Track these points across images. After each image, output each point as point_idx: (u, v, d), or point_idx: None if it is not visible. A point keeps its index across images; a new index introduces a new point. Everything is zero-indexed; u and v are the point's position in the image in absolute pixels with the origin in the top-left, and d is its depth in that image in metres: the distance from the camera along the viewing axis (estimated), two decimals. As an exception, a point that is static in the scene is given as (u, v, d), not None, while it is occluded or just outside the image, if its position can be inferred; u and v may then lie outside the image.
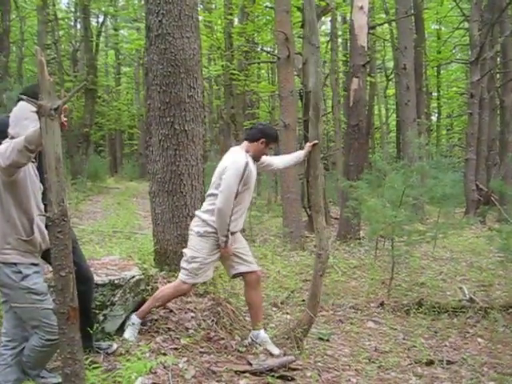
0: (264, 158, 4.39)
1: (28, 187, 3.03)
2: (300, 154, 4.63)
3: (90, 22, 23.44)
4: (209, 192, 4.22)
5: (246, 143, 4.26)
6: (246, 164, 4.02)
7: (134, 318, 4.12)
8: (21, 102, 3.10)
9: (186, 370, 3.65)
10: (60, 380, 3.07)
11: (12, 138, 3.03)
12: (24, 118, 3.03)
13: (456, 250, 9.51)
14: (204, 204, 4.27)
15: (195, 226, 4.17)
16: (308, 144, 4.50)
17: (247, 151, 4.19)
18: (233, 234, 4.13)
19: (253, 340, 4.24)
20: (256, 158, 4.23)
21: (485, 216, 13.60)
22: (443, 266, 8.13)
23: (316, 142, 4.44)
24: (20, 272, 2.96)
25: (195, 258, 4.08)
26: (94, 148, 25.92)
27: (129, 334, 4.04)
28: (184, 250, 4.23)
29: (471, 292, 6.24)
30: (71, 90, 16.65)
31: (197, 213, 4.26)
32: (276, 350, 4.15)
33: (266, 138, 4.18)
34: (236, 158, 4.11)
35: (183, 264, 4.15)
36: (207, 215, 4.09)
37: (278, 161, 4.62)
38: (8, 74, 17.53)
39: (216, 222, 4.01)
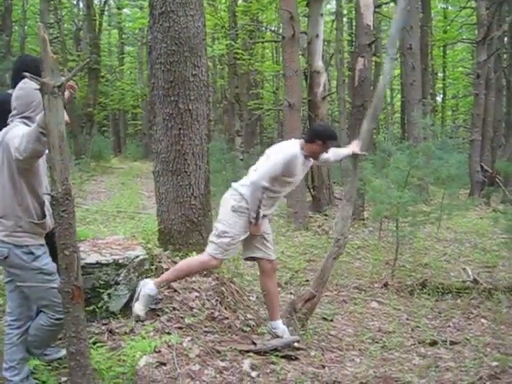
0: (323, 155, 4.29)
1: (40, 171, 3.03)
2: (349, 152, 4.62)
3: (92, 0, 23.23)
4: (253, 167, 4.17)
5: (303, 140, 4.19)
6: (295, 156, 3.98)
7: (151, 288, 3.95)
8: (30, 82, 3.05)
9: (190, 349, 3.67)
10: (64, 352, 3.10)
11: (22, 117, 3.00)
12: (33, 99, 2.98)
13: (460, 231, 9.50)
14: (244, 178, 4.15)
15: (232, 199, 4.01)
16: (355, 146, 4.59)
17: (302, 148, 4.09)
18: (264, 216, 4.04)
19: (273, 331, 4.14)
20: (313, 157, 4.17)
21: (489, 197, 13.57)
22: (447, 247, 8.12)
23: (363, 153, 4.62)
24: (31, 253, 2.97)
25: (226, 232, 3.94)
26: (97, 128, 25.82)
27: (140, 306, 3.91)
28: (215, 224, 4.13)
29: (475, 273, 6.23)
30: (74, 69, 16.57)
31: (234, 185, 4.11)
32: (296, 337, 4.10)
33: (321, 140, 4.06)
34: (289, 146, 4.09)
35: (212, 238, 4.01)
36: (245, 189, 3.96)
37: (331, 154, 4.45)
38: (11, 53, 17.42)
39: (248, 196, 3.92)
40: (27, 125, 2.94)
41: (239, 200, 3.96)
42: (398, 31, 4.84)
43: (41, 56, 2.52)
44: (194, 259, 4.15)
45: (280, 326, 4.14)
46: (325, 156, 4.30)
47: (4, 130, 2.99)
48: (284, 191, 4.14)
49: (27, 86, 2.98)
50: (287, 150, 4.03)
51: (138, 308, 3.90)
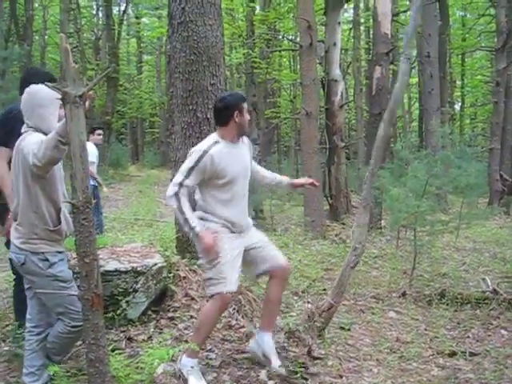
0: (257, 168, 3.93)
1: (56, 178, 3.06)
2: (287, 182, 4.08)
3: (111, 10, 23.53)
4: None
5: (219, 130, 3.63)
6: (204, 153, 3.43)
7: (188, 361, 3.42)
8: (29, 89, 3.09)
9: (207, 357, 3.68)
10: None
11: (31, 127, 3.04)
12: (38, 106, 3.03)
13: (479, 240, 9.40)
14: None
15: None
16: (306, 181, 4.16)
17: (222, 136, 3.56)
18: (231, 224, 3.54)
19: (260, 343, 3.72)
20: (241, 133, 3.62)
21: (509, 206, 13.42)
22: (466, 257, 8.03)
23: (315, 183, 4.16)
24: (47, 260, 3.00)
25: (212, 261, 3.44)
26: (115, 136, 26.06)
27: (196, 382, 3.35)
28: (197, 263, 3.96)
29: (494, 283, 6.15)
30: (94, 78, 16.76)
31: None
32: (277, 362, 3.64)
33: (233, 110, 3.52)
34: (196, 146, 3.59)
35: (205, 277, 3.57)
36: (197, 213, 3.55)
37: (267, 174, 4.04)
38: (31, 62, 17.68)
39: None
40: (39, 133, 2.99)
41: (202, 224, 3.47)
42: (413, 30, 4.77)
43: (62, 66, 2.56)
44: (207, 309, 3.54)
45: (270, 341, 3.71)
46: (260, 172, 3.94)
47: (20, 138, 3.04)
48: (229, 192, 3.53)
49: (31, 89, 3.06)
50: (192, 153, 3.52)
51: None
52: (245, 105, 3.60)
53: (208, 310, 3.51)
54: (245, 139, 3.72)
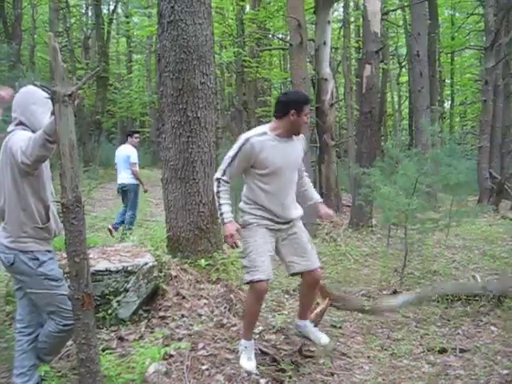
0: (302, 173, 4.02)
1: (44, 175, 3.05)
2: (313, 199, 4.18)
3: (101, 9, 23.43)
4: None
5: (271, 122, 3.77)
6: (245, 143, 3.58)
7: (243, 342, 3.74)
8: (24, 88, 3.11)
9: (199, 356, 3.67)
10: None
11: (21, 123, 3.03)
12: (31, 103, 3.04)
13: (469, 238, 9.45)
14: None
15: (238, 219, 3.81)
16: (325, 213, 4.16)
17: (271, 129, 3.66)
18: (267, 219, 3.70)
19: (299, 329, 4.20)
20: (294, 132, 3.71)
21: (498, 204, 13.51)
22: (456, 254, 8.08)
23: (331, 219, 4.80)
24: (37, 259, 2.99)
25: (246, 249, 3.67)
26: (105, 135, 25.96)
27: (246, 361, 3.65)
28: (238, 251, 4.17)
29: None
30: (83, 77, 16.69)
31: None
32: (326, 339, 4.09)
33: (293, 108, 3.61)
34: (242, 135, 3.72)
35: (243, 263, 3.80)
36: (241, 203, 3.82)
37: (308, 187, 4.16)
38: (20, 61, 17.57)
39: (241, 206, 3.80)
40: (27, 130, 3.00)
41: (241, 215, 3.79)
42: None
43: (51, 65, 2.55)
44: (247, 298, 3.88)
45: (309, 325, 4.18)
46: (302, 179, 4.02)
47: (7, 136, 3.03)
48: (271, 184, 3.67)
49: (28, 89, 3.08)
50: (236, 142, 3.68)
51: (247, 365, 3.62)
52: (306, 108, 3.66)
53: (248, 299, 3.82)
54: (301, 138, 3.83)
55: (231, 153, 3.63)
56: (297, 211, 3.88)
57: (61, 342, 3.19)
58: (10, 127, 3.06)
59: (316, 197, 4.17)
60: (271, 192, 3.68)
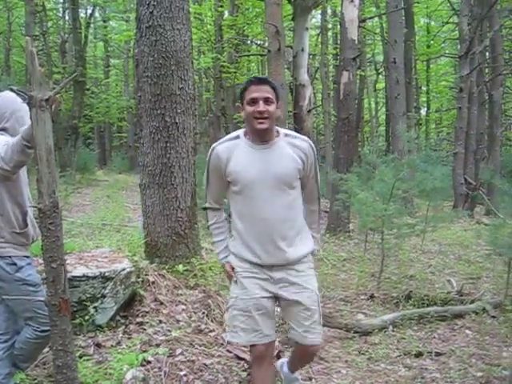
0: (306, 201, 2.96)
1: (21, 180, 3.02)
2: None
3: (78, 13, 23.23)
4: None
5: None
6: (212, 149, 2.82)
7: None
8: (6, 93, 3.08)
9: (177, 362, 3.66)
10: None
11: (3, 129, 3.00)
12: (17, 110, 3.01)
13: (444, 243, 9.58)
14: None
15: None
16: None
17: (246, 132, 2.82)
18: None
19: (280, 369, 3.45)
20: (255, 132, 2.72)
21: (473, 209, 13.72)
22: (432, 259, 8.19)
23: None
24: (14, 264, 2.95)
25: (228, 302, 2.96)
26: (82, 140, 25.73)
27: None
28: None
29: (459, 284, 6.29)
30: (60, 81, 16.55)
31: None
32: None
33: (240, 98, 2.78)
34: None
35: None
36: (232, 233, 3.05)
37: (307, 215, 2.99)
38: (-4, 65, 17.34)
39: None
40: (5, 135, 2.96)
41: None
42: None
43: (28, 69, 2.54)
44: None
45: (290, 376, 3.39)
46: (305, 211, 2.95)
47: None
48: (246, 206, 2.77)
49: (10, 94, 3.04)
50: None
51: None
52: (248, 93, 2.68)
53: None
54: (296, 143, 2.78)
55: (205, 170, 2.90)
56: (298, 249, 2.81)
57: (38, 348, 3.15)
58: None
59: (316, 236, 3.04)
60: (248, 218, 2.77)
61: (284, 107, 10.16)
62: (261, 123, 2.65)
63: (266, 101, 2.65)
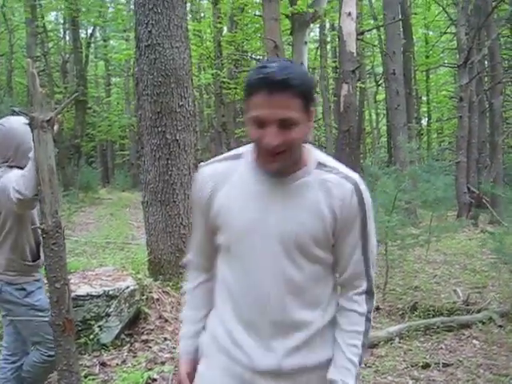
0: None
1: (35, 210, 2.96)
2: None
3: (79, 33, 23.46)
4: None
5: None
6: (197, 173, 1.76)
7: None
8: (8, 124, 2.92)
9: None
10: None
11: (8, 165, 2.89)
12: (22, 143, 2.88)
13: (449, 252, 9.54)
14: None
15: None
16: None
17: (248, 151, 1.69)
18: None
19: None
20: (264, 160, 1.55)
21: (477, 218, 13.67)
22: (437, 269, 8.15)
23: None
24: (24, 289, 2.94)
25: None
26: (85, 159, 25.81)
27: None
28: None
29: (465, 294, 6.26)
30: (62, 101, 16.64)
31: None
32: None
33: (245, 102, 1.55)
34: None
35: None
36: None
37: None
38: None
39: None
40: (15, 169, 2.87)
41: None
42: None
43: (29, 90, 2.56)
44: None
45: None
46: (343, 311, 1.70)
47: None
48: (235, 271, 1.65)
49: (4, 127, 2.91)
50: None
51: None
52: (254, 107, 1.47)
53: None
54: (333, 182, 1.60)
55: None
56: (312, 356, 1.64)
57: (45, 372, 3.13)
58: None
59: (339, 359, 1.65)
60: (234, 294, 1.65)
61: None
62: (271, 162, 1.51)
63: (284, 124, 1.45)
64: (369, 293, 1.71)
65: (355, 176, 1.63)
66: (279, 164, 1.53)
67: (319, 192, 1.59)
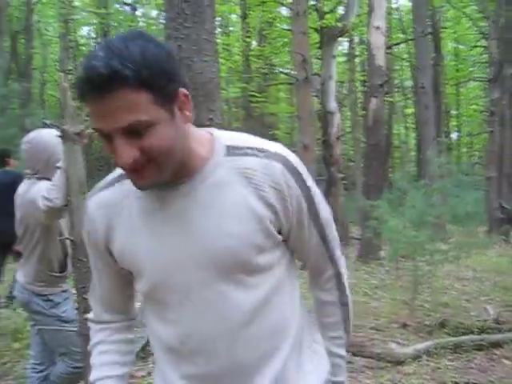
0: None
1: (62, 221, 2.98)
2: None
3: (110, 47, 23.86)
4: None
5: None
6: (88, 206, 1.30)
7: None
8: (39, 137, 2.89)
9: None
10: None
11: (37, 176, 2.90)
12: (52, 156, 2.85)
13: (479, 269, 9.37)
14: None
15: None
16: None
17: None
18: None
19: None
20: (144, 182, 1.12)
21: (508, 234, 13.41)
22: (467, 286, 8.01)
23: None
24: (51, 300, 2.98)
25: None
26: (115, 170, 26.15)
27: None
28: None
29: (496, 312, 6.12)
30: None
31: None
32: None
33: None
34: None
35: None
36: None
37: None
38: (31, 99, 17.88)
39: None
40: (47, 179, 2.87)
41: None
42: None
43: (61, 104, 2.61)
44: None
45: None
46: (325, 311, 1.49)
47: (21, 189, 2.94)
48: (168, 325, 1.26)
49: (35, 140, 2.91)
50: None
51: None
52: (88, 104, 1.08)
53: None
54: (252, 167, 1.18)
55: None
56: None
57: (71, 382, 3.15)
58: (26, 179, 2.96)
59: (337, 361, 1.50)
60: (171, 345, 1.29)
61: (313, 135, 10.19)
62: (139, 179, 1.12)
63: (132, 131, 1.05)
64: (337, 275, 1.45)
65: (278, 148, 1.22)
66: (151, 179, 1.11)
67: (240, 185, 1.17)
